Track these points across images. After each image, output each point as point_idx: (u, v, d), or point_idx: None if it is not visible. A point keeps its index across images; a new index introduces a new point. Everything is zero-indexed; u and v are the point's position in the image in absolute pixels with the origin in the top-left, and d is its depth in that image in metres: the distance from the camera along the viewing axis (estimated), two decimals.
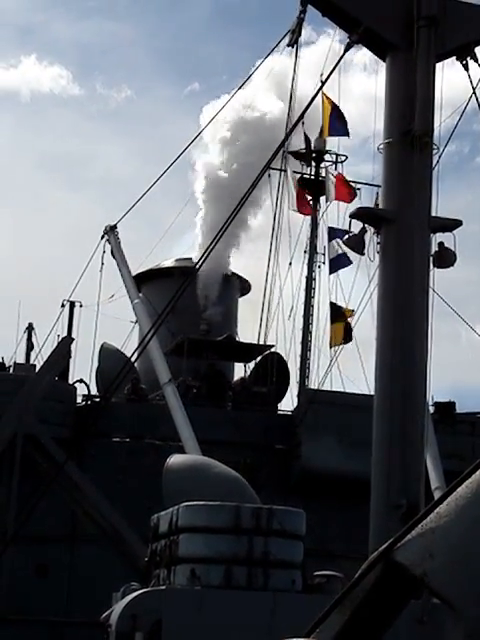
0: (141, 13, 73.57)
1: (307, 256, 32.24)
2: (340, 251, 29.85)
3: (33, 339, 29.53)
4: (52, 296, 31.30)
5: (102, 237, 26.27)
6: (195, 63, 70.51)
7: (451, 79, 15.77)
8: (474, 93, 15.28)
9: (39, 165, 71.62)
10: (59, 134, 70.06)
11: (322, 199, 32.50)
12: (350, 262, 29.17)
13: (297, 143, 31.57)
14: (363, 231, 15.21)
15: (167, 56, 74.52)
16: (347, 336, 28.65)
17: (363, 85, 34.72)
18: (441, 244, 15.34)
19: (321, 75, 17.27)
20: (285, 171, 28.27)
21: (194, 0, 72.29)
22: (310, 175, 32.78)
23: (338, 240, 29.60)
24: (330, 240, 30.83)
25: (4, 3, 68.26)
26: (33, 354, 29.07)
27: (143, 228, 50.47)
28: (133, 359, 19.19)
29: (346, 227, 16.33)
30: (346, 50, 15.23)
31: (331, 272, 30.55)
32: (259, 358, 29.99)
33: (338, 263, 30.08)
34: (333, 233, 30.49)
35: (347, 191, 30.32)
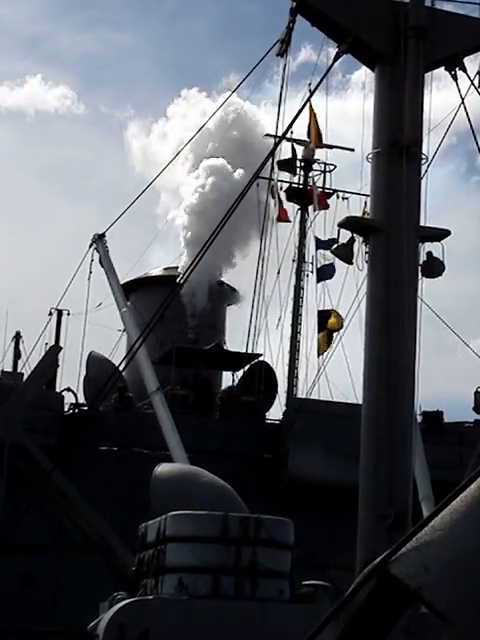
0: (145, 24, 73.93)
1: (295, 265, 32.31)
2: (325, 261, 30.07)
3: (20, 347, 29.49)
4: (40, 304, 31.31)
5: (90, 246, 26.26)
6: (198, 75, 70.90)
7: (447, 98, 15.80)
8: (463, 103, 15.31)
9: (40, 176, 71.89)
10: (61, 145, 70.42)
11: (310, 208, 32.62)
12: (333, 273, 29.43)
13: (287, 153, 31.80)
14: (352, 240, 15.22)
15: (170, 67, 74.87)
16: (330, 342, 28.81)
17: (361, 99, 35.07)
18: (429, 254, 15.36)
19: (309, 85, 17.32)
20: (272, 180, 28.36)
21: (198, 11, 72.55)
22: (298, 184, 32.88)
23: (322, 251, 29.88)
24: (317, 250, 31.00)
25: (9, 13, 68.61)
26: (20, 362, 29.04)
27: (137, 236, 50.58)
28: (121, 368, 19.17)
29: (334, 236, 16.36)
30: (335, 60, 15.26)
31: (318, 281, 30.67)
32: (247, 367, 29.98)
33: (325, 273, 30.25)
34: (319, 243, 30.69)
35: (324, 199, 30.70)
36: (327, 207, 30.96)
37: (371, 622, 3.58)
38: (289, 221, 31.81)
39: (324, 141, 31.93)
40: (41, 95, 66.24)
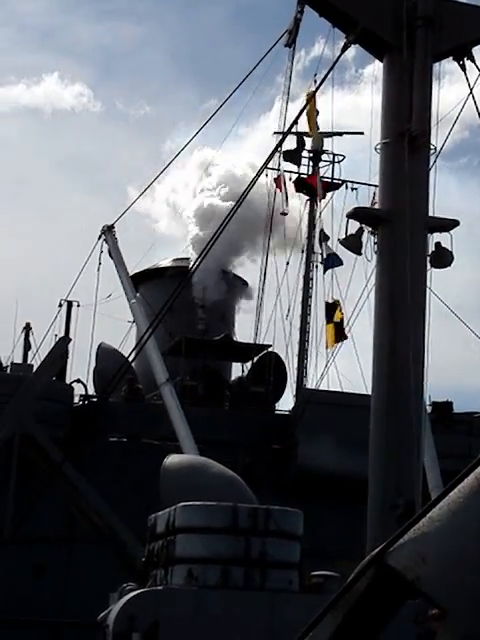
0: (159, 15, 73.87)
1: (304, 256, 32.29)
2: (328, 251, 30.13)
3: (30, 339, 29.52)
4: (50, 296, 31.34)
5: (99, 237, 26.30)
6: (213, 68, 70.84)
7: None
8: (471, 93, 15.28)
9: (55, 170, 72.03)
10: (77, 140, 70.57)
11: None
12: (341, 262, 29.36)
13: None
14: (360, 231, 15.21)
15: (185, 60, 74.81)
16: (340, 335, 28.62)
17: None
18: (438, 244, 15.34)
19: (315, 75, 17.30)
20: (278, 170, 28.36)
21: (213, 2, 72.45)
22: (306, 175, 32.82)
23: (327, 243, 29.99)
24: (321, 242, 31.02)
25: (24, 6, 68.83)
26: (30, 354, 29.08)
27: (147, 229, 50.61)
28: (131, 359, 19.19)
29: (343, 227, 16.31)
30: (343, 50, 15.22)
31: (325, 271, 30.71)
32: (256, 358, 29.98)
33: (331, 262, 30.24)
34: (323, 236, 30.79)
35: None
36: (323, 196, 31.06)
37: (370, 612, 3.60)
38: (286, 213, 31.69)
39: (332, 131, 31.87)
40: (58, 92, 66.39)
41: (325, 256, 30.26)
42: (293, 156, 32.09)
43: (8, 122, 69.65)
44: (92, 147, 72.41)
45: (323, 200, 32.06)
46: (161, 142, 71.19)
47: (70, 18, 76.48)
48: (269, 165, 18.72)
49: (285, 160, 31.50)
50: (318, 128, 31.11)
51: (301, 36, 15.81)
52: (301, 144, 32.10)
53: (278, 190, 29.98)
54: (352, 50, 15.27)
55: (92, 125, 69.44)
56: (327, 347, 29.09)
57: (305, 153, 32.71)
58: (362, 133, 31.38)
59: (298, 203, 32.72)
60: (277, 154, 18.29)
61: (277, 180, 30.34)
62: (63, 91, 68.53)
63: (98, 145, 73.25)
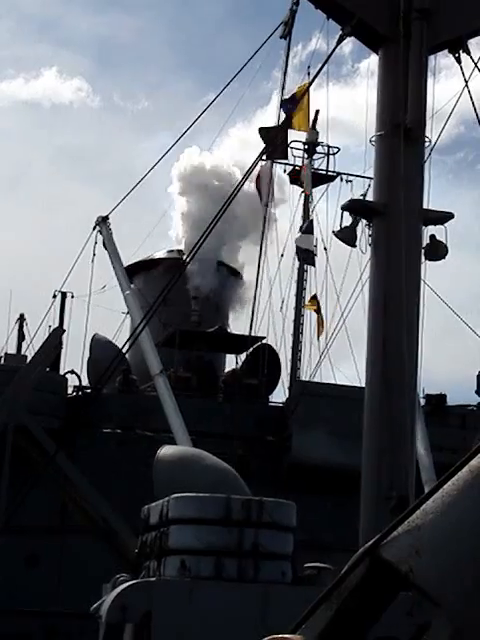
0: (158, 7, 73.74)
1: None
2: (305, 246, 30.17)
3: (24, 330, 29.54)
4: (44, 287, 31.34)
5: (94, 228, 26.27)
6: (212, 60, 70.76)
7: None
8: (466, 86, 15.26)
9: (55, 162, 71.97)
10: (75, 132, 70.50)
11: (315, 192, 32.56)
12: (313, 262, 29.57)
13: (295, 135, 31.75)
14: (355, 223, 15.20)
15: (184, 52, 74.67)
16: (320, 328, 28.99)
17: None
18: (433, 236, 15.34)
19: (308, 68, 17.30)
20: (265, 162, 28.32)
21: None
22: (300, 167, 32.82)
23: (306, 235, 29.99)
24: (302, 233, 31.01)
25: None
26: (24, 345, 29.10)
27: (145, 218, 50.57)
28: (124, 350, 19.18)
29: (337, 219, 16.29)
30: (338, 43, 15.19)
31: (309, 265, 30.79)
32: (250, 350, 30.01)
33: (308, 257, 30.39)
34: (309, 226, 30.77)
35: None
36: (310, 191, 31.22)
37: (363, 604, 3.61)
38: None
39: (326, 124, 31.88)
40: (56, 87, 66.47)
41: (302, 250, 30.31)
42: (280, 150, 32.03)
43: (7, 116, 69.64)
44: (90, 141, 72.56)
45: (316, 193, 32.11)
46: (158, 135, 71.14)
47: (68, 9, 76.42)
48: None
49: (268, 157, 31.45)
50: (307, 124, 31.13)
51: (299, 31, 15.75)
52: (286, 138, 32.01)
53: (253, 184, 29.80)
54: (348, 44, 15.27)
55: (91, 119, 69.49)
56: (318, 337, 29.26)
57: (299, 145, 32.74)
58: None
59: (295, 196, 32.72)
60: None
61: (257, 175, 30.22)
62: (61, 86, 68.49)
63: (96, 139, 73.42)
